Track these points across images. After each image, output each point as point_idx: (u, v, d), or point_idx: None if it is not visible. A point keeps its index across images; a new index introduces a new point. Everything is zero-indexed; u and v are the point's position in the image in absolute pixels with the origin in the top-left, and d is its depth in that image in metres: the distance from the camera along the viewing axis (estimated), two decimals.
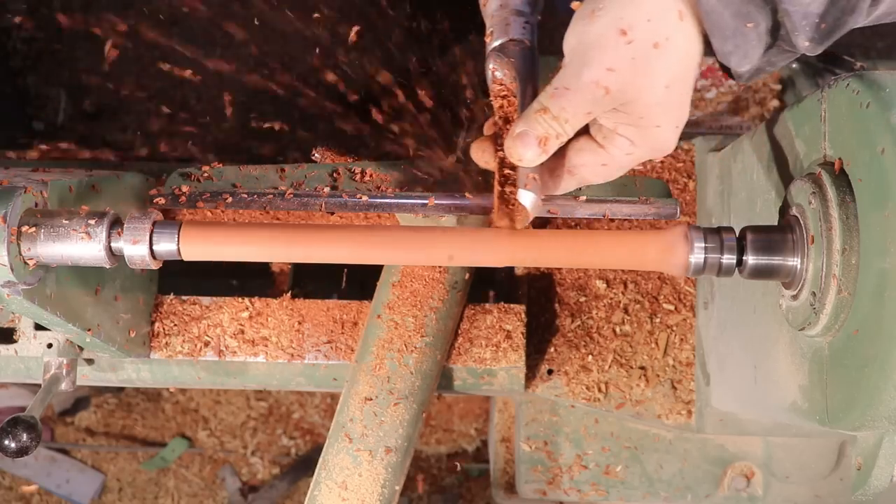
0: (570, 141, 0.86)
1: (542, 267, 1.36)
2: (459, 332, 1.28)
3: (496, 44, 0.91)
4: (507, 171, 0.87)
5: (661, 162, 1.36)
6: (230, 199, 0.98)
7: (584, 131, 0.87)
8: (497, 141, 0.87)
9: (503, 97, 0.88)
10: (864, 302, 0.75)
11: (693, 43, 0.80)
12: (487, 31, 0.92)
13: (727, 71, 0.84)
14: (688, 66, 0.81)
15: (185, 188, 1.04)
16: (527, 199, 0.86)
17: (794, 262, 0.85)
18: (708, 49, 0.81)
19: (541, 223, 1.34)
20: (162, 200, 0.98)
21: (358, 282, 1.36)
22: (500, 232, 0.89)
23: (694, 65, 0.82)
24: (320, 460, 1.20)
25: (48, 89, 1.77)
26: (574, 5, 0.83)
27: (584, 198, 0.98)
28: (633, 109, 0.82)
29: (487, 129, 0.90)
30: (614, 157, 0.86)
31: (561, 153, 0.87)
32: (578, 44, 0.81)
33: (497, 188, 0.88)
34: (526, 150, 0.82)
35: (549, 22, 1.01)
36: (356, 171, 1.12)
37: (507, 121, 0.87)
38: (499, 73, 0.88)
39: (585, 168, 0.88)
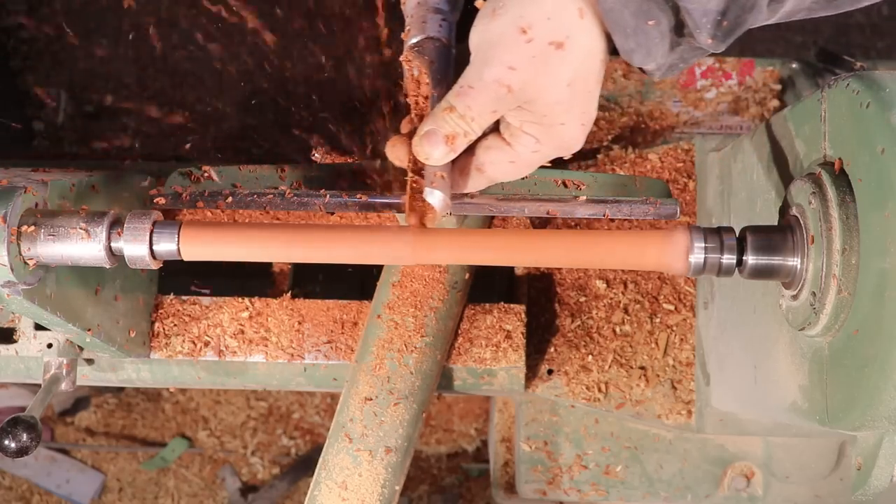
0: (479, 139, 0.86)
1: (542, 267, 1.36)
2: (459, 332, 1.28)
3: (413, 41, 0.90)
4: (418, 169, 0.87)
5: (662, 162, 1.36)
6: (230, 199, 0.98)
7: (495, 129, 0.87)
8: (411, 139, 0.88)
9: (418, 95, 0.88)
10: (864, 302, 0.75)
11: (595, 41, 0.80)
12: (405, 29, 0.92)
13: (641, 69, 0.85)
14: (590, 63, 0.81)
15: (185, 188, 1.04)
16: (434, 197, 0.86)
17: (794, 262, 0.85)
18: (613, 47, 0.81)
19: (541, 223, 1.34)
20: (162, 200, 0.98)
21: (358, 282, 1.36)
22: (408, 230, 0.89)
23: (597, 62, 0.82)
24: (320, 460, 1.20)
25: (48, 89, 1.77)
26: (478, 4, 0.84)
27: (584, 198, 0.98)
28: (537, 107, 0.82)
29: (404, 127, 0.90)
30: (521, 154, 0.86)
31: (470, 151, 0.87)
32: (481, 42, 0.81)
33: (409, 186, 0.88)
34: (433, 149, 0.83)
35: None
36: (355, 171, 1.12)
37: (423, 119, 0.87)
38: (414, 71, 0.88)
39: (494, 166, 0.88)
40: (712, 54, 1.56)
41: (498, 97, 0.80)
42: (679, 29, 0.79)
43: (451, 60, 0.92)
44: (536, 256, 0.92)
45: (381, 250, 0.89)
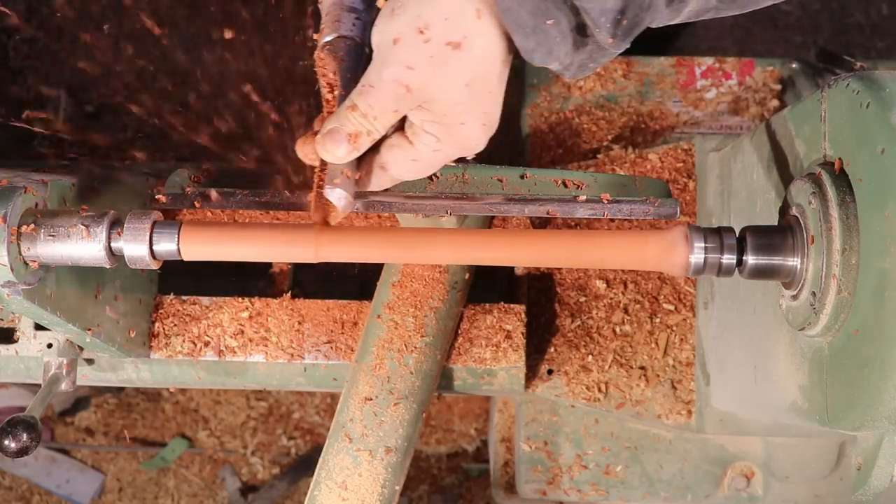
0: (384, 137, 0.86)
1: (542, 267, 1.36)
2: (459, 332, 1.28)
3: (326, 39, 0.90)
4: (325, 167, 0.87)
5: (662, 162, 1.36)
6: (230, 200, 0.97)
7: (399, 128, 0.87)
8: None
9: (329, 94, 0.88)
10: (864, 302, 0.75)
11: (493, 41, 0.81)
12: (321, 26, 0.92)
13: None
14: (489, 64, 0.82)
15: (186, 188, 1.04)
16: (335, 196, 0.86)
17: (794, 262, 0.85)
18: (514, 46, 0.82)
19: (541, 223, 1.34)
20: (163, 199, 0.98)
21: (358, 282, 1.36)
22: (313, 228, 0.89)
23: (496, 62, 0.82)
24: (320, 460, 1.20)
25: (48, 89, 1.77)
26: (379, 3, 0.84)
27: (584, 197, 0.98)
28: (436, 107, 0.82)
29: (316, 125, 0.90)
30: (422, 153, 0.87)
31: (375, 149, 0.88)
32: (380, 42, 0.82)
33: (315, 185, 0.88)
34: (336, 147, 0.83)
35: None
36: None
37: None
38: (325, 70, 0.88)
39: (396, 164, 0.88)
40: (713, 55, 1.57)
41: (397, 96, 0.81)
42: (582, 29, 0.80)
43: (364, 59, 0.92)
44: (537, 256, 0.92)
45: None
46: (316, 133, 0.87)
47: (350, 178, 0.87)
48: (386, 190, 0.94)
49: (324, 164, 0.87)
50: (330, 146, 0.84)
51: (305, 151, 0.88)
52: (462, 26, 0.79)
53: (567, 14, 0.78)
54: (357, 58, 0.88)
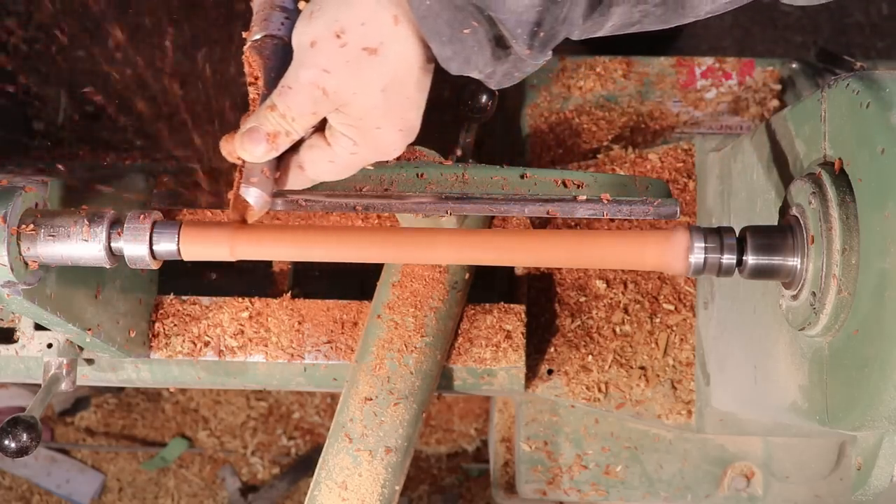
0: (306, 137, 0.87)
1: (542, 267, 1.36)
2: (459, 332, 1.28)
3: (254, 38, 0.90)
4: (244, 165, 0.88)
5: (662, 162, 1.36)
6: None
7: (320, 129, 0.87)
8: None
9: (255, 92, 0.89)
10: (864, 302, 0.75)
11: (410, 48, 0.81)
12: (251, 24, 0.92)
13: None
14: (406, 70, 0.82)
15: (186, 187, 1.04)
16: (251, 195, 0.87)
17: (794, 262, 0.85)
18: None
19: (541, 223, 1.34)
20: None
21: (358, 282, 1.36)
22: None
23: (414, 69, 0.82)
24: (320, 460, 1.20)
25: (48, 89, 1.77)
26: (301, 5, 0.84)
27: (584, 197, 0.98)
28: (352, 111, 0.83)
29: (243, 123, 0.90)
30: (339, 155, 0.87)
31: (295, 148, 0.88)
32: (299, 44, 0.82)
33: (236, 182, 0.88)
34: (254, 146, 0.84)
35: None
36: None
37: None
38: (251, 68, 0.89)
39: (314, 164, 0.88)
40: (713, 55, 1.57)
41: (314, 99, 0.81)
42: (500, 40, 0.80)
43: (290, 59, 0.92)
44: (537, 256, 0.92)
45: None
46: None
47: (268, 177, 0.87)
48: (309, 189, 0.94)
49: (245, 162, 0.88)
50: (248, 145, 0.84)
51: (228, 149, 0.88)
52: (379, 32, 0.79)
53: (484, 25, 0.78)
54: (283, 57, 0.88)
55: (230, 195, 0.89)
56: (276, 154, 0.86)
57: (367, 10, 0.79)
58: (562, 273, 1.36)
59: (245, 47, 0.91)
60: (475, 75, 0.83)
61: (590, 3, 0.78)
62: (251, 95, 0.89)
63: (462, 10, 0.77)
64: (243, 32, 0.92)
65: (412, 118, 0.86)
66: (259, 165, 0.87)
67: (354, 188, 0.99)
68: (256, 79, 0.89)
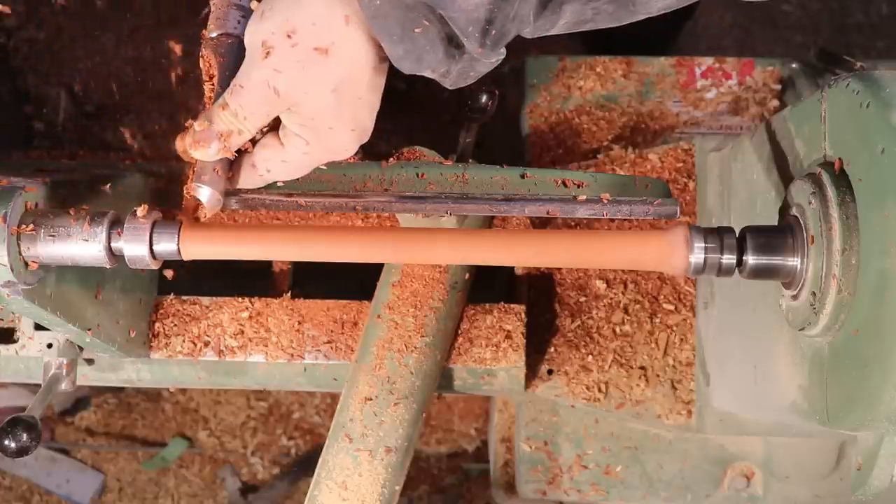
0: (259, 136, 0.87)
1: (542, 267, 1.36)
2: (459, 332, 1.28)
3: (211, 36, 0.91)
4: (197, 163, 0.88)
5: (662, 162, 1.36)
6: (232, 200, 0.97)
7: (274, 128, 0.88)
8: None
9: (211, 90, 0.89)
10: (864, 302, 0.75)
11: (362, 48, 0.81)
12: (208, 22, 0.92)
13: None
14: (358, 71, 0.82)
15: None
16: (202, 193, 0.87)
17: (794, 262, 0.85)
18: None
19: (541, 223, 1.34)
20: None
21: (358, 282, 1.36)
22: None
23: (366, 69, 0.82)
24: (320, 460, 1.20)
25: (48, 89, 1.77)
26: (252, 5, 0.85)
27: (584, 197, 0.98)
28: (304, 111, 0.83)
29: (197, 121, 0.91)
30: (292, 155, 0.87)
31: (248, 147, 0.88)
32: (251, 43, 0.83)
33: (189, 181, 0.88)
34: (207, 145, 0.84)
35: None
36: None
37: None
38: (207, 66, 0.89)
39: (267, 164, 0.88)
40: (713, 55, 1.57)
41: (266, 98, 0.82)
42: (453, 38, 0.80)
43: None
44: (537, 256, 0.92)
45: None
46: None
47: (221, 175, 0.87)
48: (265, 188, 0.94)
49: (197, 160, 0.88)
50: (200, 144, 0.84)
51: (181, 147, 0.88)
52: (330, 32, 0.79)
53: (435, 23, 0.78)
54: (239, 56, 0.88)
55: (186, 193, 0.90)
56: (228, 153, 0.86)
57: (317, 11, 0.79)
58: (562, 273, 1.36)
59: (202, 45, 0.91)
60: (429, 74, 0.83)
61: (540, 1, 0.78)
62: (206, 94, 0.89)
63: (413, 9, 0.77)
64: (202, 31, 0.92)
65: (365, 118, 0.86)
66: (211, 164, 0.87)
67: (354, 188, 0.99)
68: (212, 77, 0.89)
